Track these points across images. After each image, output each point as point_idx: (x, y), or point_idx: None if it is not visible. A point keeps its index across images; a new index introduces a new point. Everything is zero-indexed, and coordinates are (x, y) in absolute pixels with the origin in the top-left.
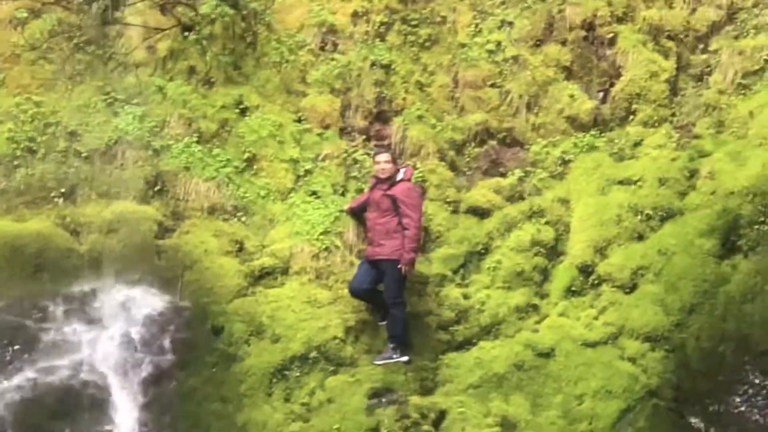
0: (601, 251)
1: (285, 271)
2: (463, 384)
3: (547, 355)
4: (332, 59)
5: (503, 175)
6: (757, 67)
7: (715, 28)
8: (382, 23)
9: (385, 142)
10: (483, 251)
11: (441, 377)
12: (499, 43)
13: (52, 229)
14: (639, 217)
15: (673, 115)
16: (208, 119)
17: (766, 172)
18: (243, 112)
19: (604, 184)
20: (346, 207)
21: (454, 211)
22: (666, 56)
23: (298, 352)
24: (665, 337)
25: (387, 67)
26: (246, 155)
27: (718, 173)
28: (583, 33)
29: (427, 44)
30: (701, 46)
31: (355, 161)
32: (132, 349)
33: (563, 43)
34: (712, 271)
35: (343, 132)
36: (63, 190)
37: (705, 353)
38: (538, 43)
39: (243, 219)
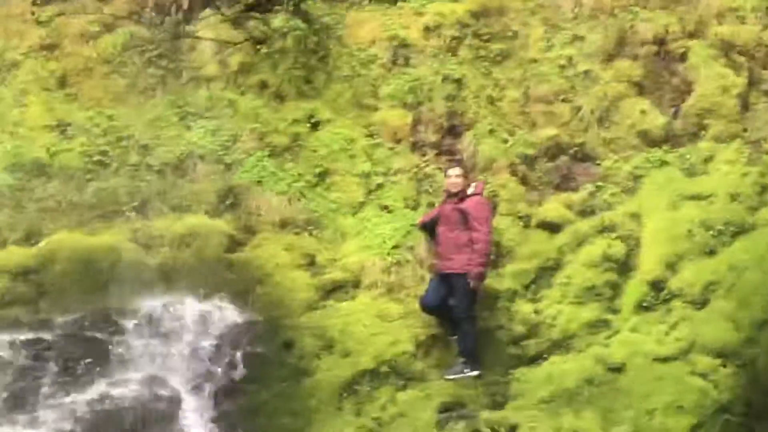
0: (673, 267)
1: (356, 285)
2: (533, 399)
3: (618, 370)
4: (404, 74)
5: (574, 189)
6: None
7: None
8: (453, 38)
9: (457, 157)
10: (554, 266)
11: (512, 392)
12: (570, 58)
13: (123, 243)
14: (710, 232)
15: (745, 130)
16: (279, 133)
17: None
18: (314, 126)
19: (675, 199)
20: (417, 221)
21: (525, 226)
22: (737, 72)
23: (368, 367)
24: (736, 352)
25: (458, 82)
26: (318, 169)
27: None
28: (654, 48)
29: (498, 59)
30: None
31: (427, 176)
32: (203, 363)
33: (634, 58)
34: None
35: (415, 146)
36: (135, 203)
37: None
38: (609, 58)
39: (314, 233)
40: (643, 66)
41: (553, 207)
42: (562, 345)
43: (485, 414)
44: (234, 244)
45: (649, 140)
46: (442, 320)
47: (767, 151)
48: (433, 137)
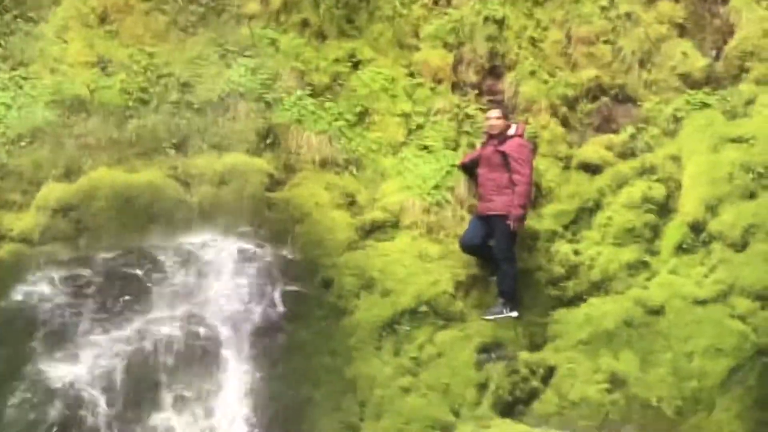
0: (713, 209)
1: (396, 225)
2: (572, 340)
3: (657, 312)
4: (445, 14)
5: (615, 131)
6: None
7: None
8: None
9: (498, 98)
10: (594, 207)
11: (550, 333)
12: (612, 0)
13: (163, 180)
14: (751, 175)
15: None
16: (320, 72)
17: None
18: (355, 65)
19: (716, 141)
20: (458, 162)
21: (566, 167)
22: None
23: (408, 307)
24: None
25: (500, 23)
26: (358, 109)
27: None
28: None
29: (540, 0)
30: None
31: (467, 116)
32: (242, 302)
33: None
34: None
35: (455, 87)
36: (175, 141)
37: None
38: None
39: (354, 172)
40: (685, 8)
41: (593, 148)
42: (601, 286)
43: (524, 355)
44: (273, 182)
45: (690, 82)
46: (482, 260)
47: None
48: (474, 78)
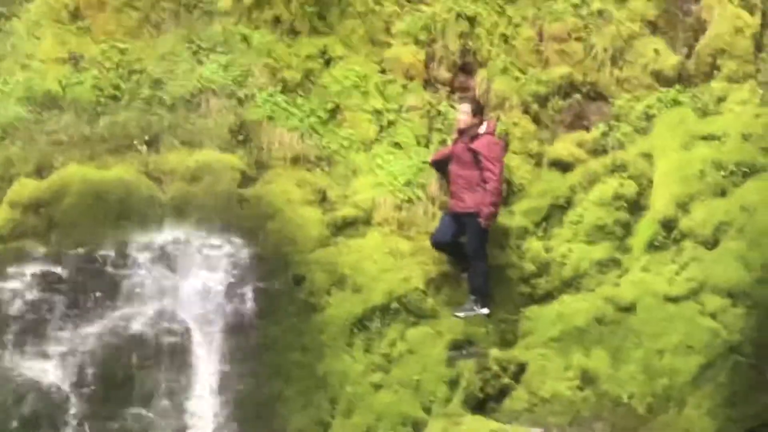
0: (684, 207)
1: (367, 222)
2: (543, 337)
3: (628, 309)
4: (417, 10)
5: (587, 128)
6: None
7: None
8: None
9: (469, 94)
10: (565, 204)
11: (521, 330)
12: None
13: (135, 177)
14: (722, 172)
15: (758, 71)
16: (292, 69)
17: None
18: (327, 62)
19: (687, 139)
20: (429, 159)
21: (537, 164)
22: (751, 12)
23: (379, 303)
24: (746, 293)
25: (472, 19)
26: (330, 105)
27: None
28: None
29: None
30: None
31: (439, 113)
32: (213, 298)
33: None
34: None
35: (427, 84)
36: (146, 137)
37: None
38: None
39: (326, 169)
40: (657, 5)
41: (564, 146)
42: (572, 284)
43: (495, 352)
44: (245, 179)
45: (662, 80)
46: (453, 257)
47: None
48: (445, 75)
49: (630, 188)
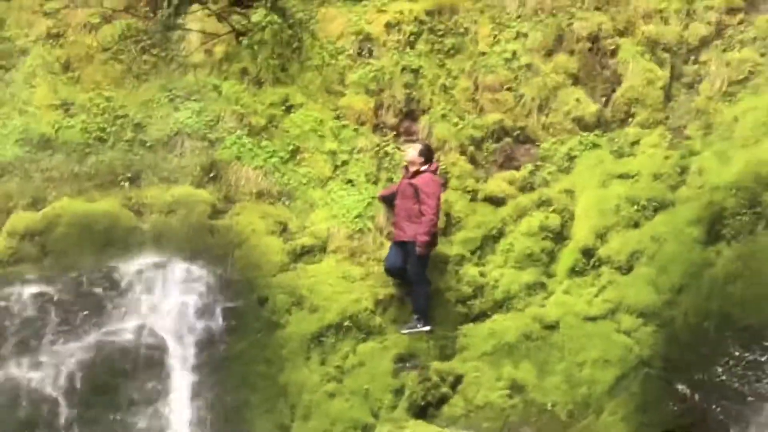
0: (602, 237)
1: (323, 250)
2: (478, 352)
3: (552, 327)
4: (368, 64)
5: (516, 168)
6: (741, 77)
7: (705, 42)
8: (412, 33)
9: (413, 138)
10: (497, 235)
11: (459, 345)
12: (514, 52)
13: (118, 210)
14: (635, 207)
15: (667, 118)
16: (257, 115)
17: (748, 169)
18: (288, 109)
19: (605, 177)
20: (378, 194)
21: (473, 200)
22: (661, 66)
23: (333, 321)
24: (656, 313)
25: (416, 72)
26: (290, 147)
27: (705, 170)
28: (588, 44)
29: (451, 52)
30: (693, 57)
31: (386, 154)
32: (187, 316)
33: (571, 53)
34: (698, 256)
35: (376, 128)
36: (129, 175)
37: (691, 328)
38: (549, 52)
39: (287, 203)
40: (579, 60)
41: (497, 183)
42: (503, 305)
43: (435, 364)
44: (215, 212)
45: (582, 125)
46: (400, 282)
47: (686, 137)
48: (392, 120)
49: (554, 221)
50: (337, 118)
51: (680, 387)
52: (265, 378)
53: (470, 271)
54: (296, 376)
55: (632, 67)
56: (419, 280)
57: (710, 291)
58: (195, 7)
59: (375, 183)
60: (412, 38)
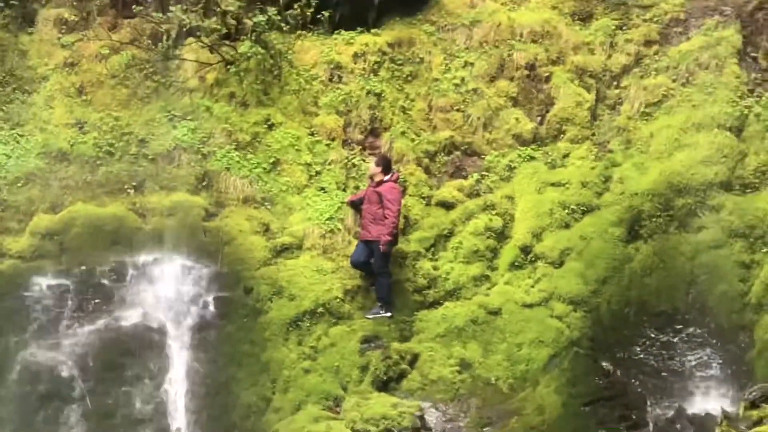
0: (537, 236)
1: (299, 247)
2: (432, 334)
3: (495, 313)
4: (338, 88)
5: (465, 177)
6: (656, 100)
7: (625, 70)
8: (375, 62)
9: (377, 152)
10: (448, 234)
11: (415, 329)
12: (463, 79)
13: (125, 213)
14: (566, 210)
15: (593, 134)
16: (243, 132)
17: (662, 178)
18: (270, 127)
19: (540, 185)
20: (346, 199)
21: (427, 204)
22: (588, 90)
23: (308, 308)
24: (584, 301)
25: (379, 95)
26: (272, 159)
27: (626, 179)
28: (526, 72)
29: (409, 78)
30: (615, 83)
31: (354, 165)
32: (184, 304)
33: (511, 79)
34: (620, 252)
35: (345, 143)
36: (134, 183)
37: (614, 314)
38: (492, 78)
39: (269, 207)
40: (518, 85)
41: (448, 190)
42: (453, 294)
43: (395, 345)
44: (208, 215)
45: (521, 141)
46: (365, 274)
47: (609, 151)
48: (359, 136)
49: (497, 222)
50: (312, 134)
51: (604, 364)
52: (249, 356)
53: (425, 265)
54: (277, 354)
55: (563, 91)
56: (382, 273)
57: (630, 282)
58: (190, 39)
59: (344, 190)
60: (375, 66)
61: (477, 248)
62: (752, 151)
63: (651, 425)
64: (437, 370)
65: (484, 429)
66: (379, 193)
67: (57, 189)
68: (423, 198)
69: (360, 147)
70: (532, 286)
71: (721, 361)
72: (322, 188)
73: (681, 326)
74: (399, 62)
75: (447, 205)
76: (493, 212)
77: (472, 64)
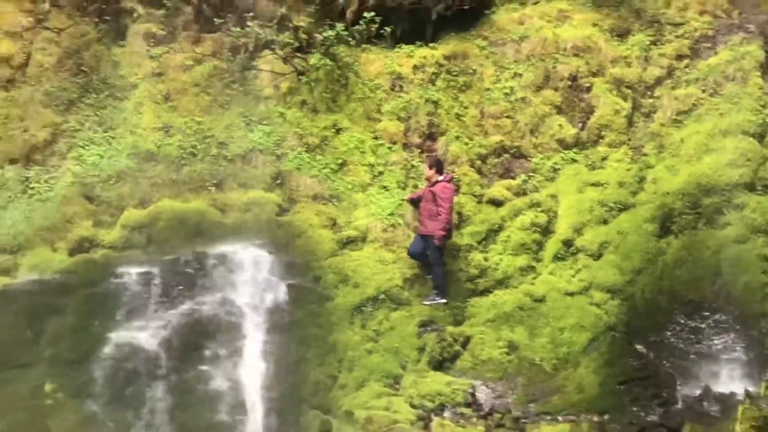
0: (578, 231)
1: (363, 240)
2: (482, 319)
3: (540, 300)
4: (399, 97)
5: (513, 178)
6: (687, 108)
7: (659, 81)
8: (433, 73)
9: (434, 155)
10: (498, 229)
11: (468, 314)
12: (512, 88)
13: (206, 208)
14: (604, 208)
15: (629, 139)
16: (313, 136)
17: (692, 179)
18: (337, 131)
19: (581, 185)
20: (406, 197)
21: (479, 202)
22: (625, 100)
23: (371, 295)
24: (620, 290)
25: (436, 103)
26: (339, 160)
27: (658, 180)
28: (569, 83)
29: (463, 88)
30: (649, 93)
31: (413, 166)
32: (259, 290)
33: (556, 89)
34: (653, 246)
35: (405, 146)
36: (214, 181)
37: (647, 302)
38: (538, 88)
39: (336, 204)
40: (561, 94)
41: (497, 189)
42: (502, 283)
43: (449, 328)
44: (281, 210)
45: (564, 145)
46: (422, 264)
47: (644, 154)
48: (417, 140)
49: (542, 218)
50: (375, 138)
51: (638, 347)
52: (318, 338)
53: (477, 256)
54: (342, 337)
55: (602, 100)
56: (437, 263)
57: (662, 273)
58: (266, 52)
59: (404, 188)
60: (433, 77)
61: (524, 242)
62: None
63: (680, 403)
64: (487, 351)
65: (529, 405)
66: (434, 192)
67: (145, 186)
68: (475, 196)
69: (419, 150)
70: (573, 276)
71: (744, 345)
72: (384, 187)
73: (708, 313)
74: (454, 73)
75: (497, 203)
76: (539, 209)
77: (520, 75)
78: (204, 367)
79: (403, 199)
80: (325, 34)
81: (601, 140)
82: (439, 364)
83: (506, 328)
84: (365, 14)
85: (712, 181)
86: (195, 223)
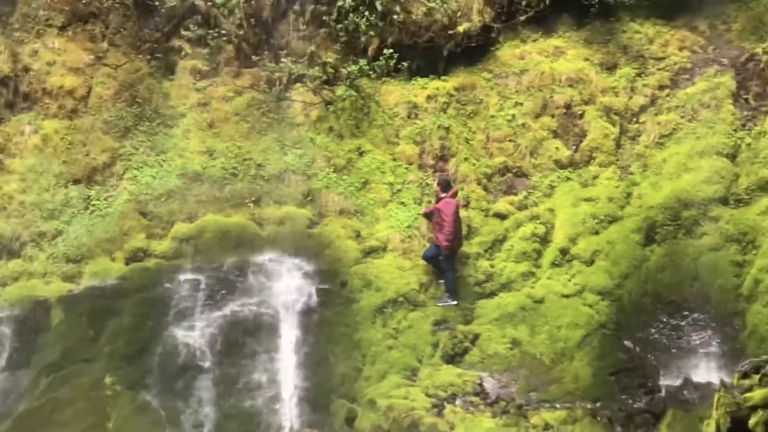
0: (573, 240)
1: (384, 249)
2: (489, 318)
3: (539, 302)
4: (414, 123)
5: (515, 194)
6: (668, 132)
7: (643, 108)
8: (444, 102)
9: (445, 174)
10: (502, 239)
11: (476, 314)
12: (514, 116)
13: (246, 222)
14: (596, 220)
15: (617, 160)
16: (340, 158)
17: (673, 195)
18: (361, 154)
19: (575, 200)
20: (421, 212)
21: (486, 215)
22: (613, 125)
23: (391, 298)
24: (610, 292)
25: (447, 129)
26: (362, 180)
27: (643, 195)
28: (564, 110)
29: (471, 115)
30: (635, 119)
31: (427, 184)
32: (292, 294)
33: (552, 116)
34: (639, 254)
35: (420, 167)
36: (253, 199)
37: (634, 302)
38: (537, 115)
39: (360, 218)
40: (557, 121)
41: (502, 204)
42: (506, 286)
43: (460, 327)
44: (312, 223)
45: (560, 165)
46: (436, 270)
47: (630, 173)
48: (431, 161)
49: (541, 230)
50: (394, 160)
51: (626, 342)
52: (344, 336)
53: (484, 263)
54: (366, 334)
55: (593, 125)
56: (449, 269)
57: (647, 277)
58: (297, 84)
59: (419, 204)
60: (444, 106)
61: (525, 250)
62: (744, 173)
63: (663, 391)
64: (493, 347)
65: (531, 394)
66: (438, 208)
67: (192, 203)
68: (482, 210)
69: (432, 170)
70: (569, 281)
71: (719, 341)
72: (402, 203)
73: (687, 313)
74: (463, 102)
75: (501, 216)
76: (538, 222)
77: (521, 104)
78: (244, 362)
79: (418, 214)
80: (349, 69)
81: (592, 161)
82: (451, 359)
83: (510, 326)
84: (385, 51)
85: (691, 197)
86: (236, 235)
